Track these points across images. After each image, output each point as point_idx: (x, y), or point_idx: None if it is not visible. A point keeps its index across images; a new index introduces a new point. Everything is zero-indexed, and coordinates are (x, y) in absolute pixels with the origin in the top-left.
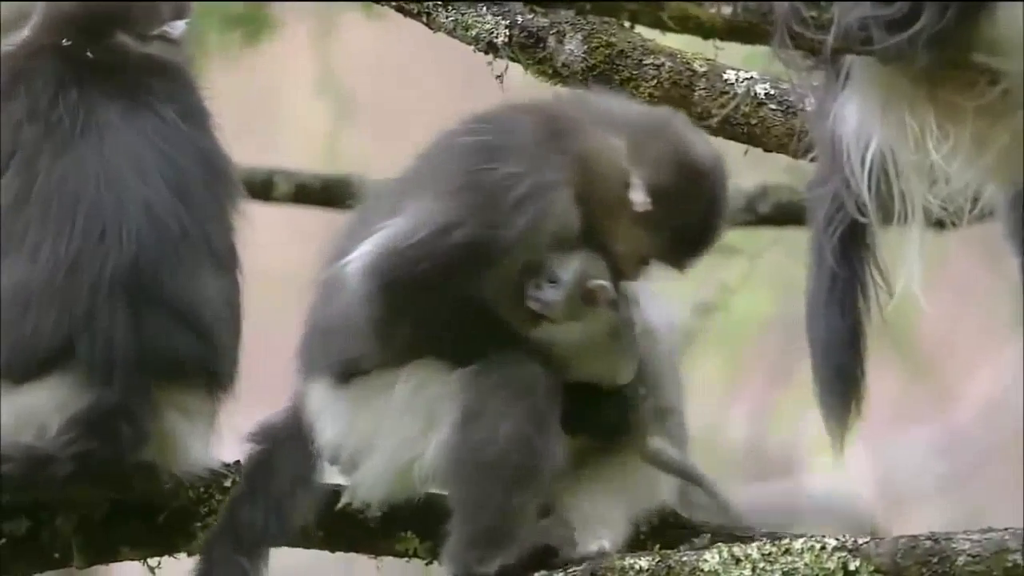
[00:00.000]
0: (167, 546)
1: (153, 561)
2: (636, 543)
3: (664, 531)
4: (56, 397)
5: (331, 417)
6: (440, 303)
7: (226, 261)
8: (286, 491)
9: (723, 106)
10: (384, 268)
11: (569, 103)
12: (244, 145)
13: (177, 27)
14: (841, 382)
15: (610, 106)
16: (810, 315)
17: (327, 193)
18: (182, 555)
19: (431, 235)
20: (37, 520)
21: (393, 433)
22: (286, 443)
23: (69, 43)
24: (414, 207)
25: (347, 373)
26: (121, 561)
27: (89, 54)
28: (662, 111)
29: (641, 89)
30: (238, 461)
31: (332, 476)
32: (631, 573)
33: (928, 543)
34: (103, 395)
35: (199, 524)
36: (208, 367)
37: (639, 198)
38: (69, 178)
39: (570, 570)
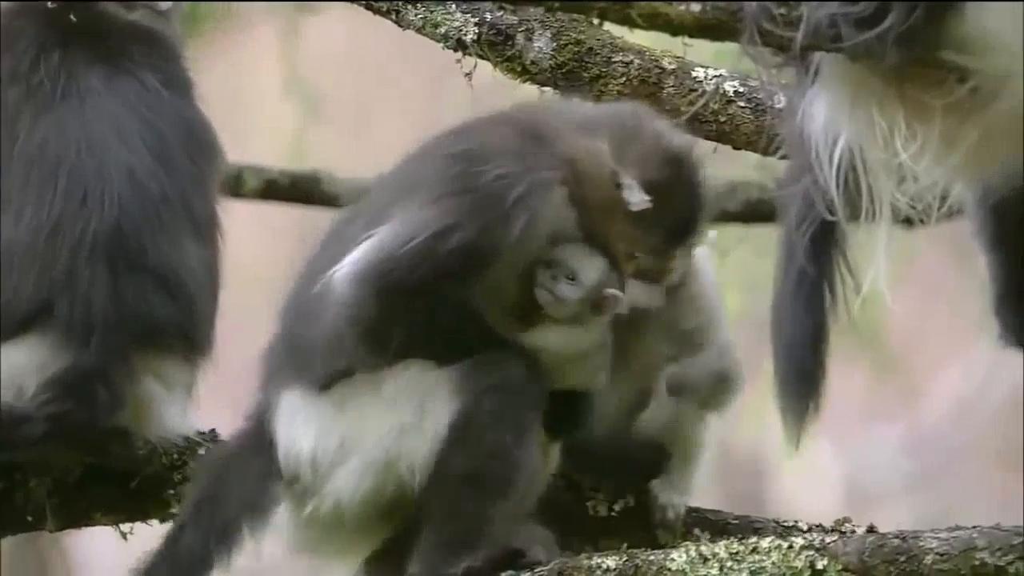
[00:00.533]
0: (140, 512)
1: (126, 527)
2: (608, 521)
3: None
4: (34, 358)
5: (307, 423)
6: (435, 306)
7: (207, 228)
8: (232, 519)
9: (692, 103)
10: (379, 274)
11: (542, 110)
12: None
13: None
14: (801, 382)
15: (581, 109)
16: (776, 314)
17: (295, 189)
18: (155, 521)
19: (427, 239)
20: (11, 482)
21: (379, 430)
22: (238, 468)
23: (54, 5)
24: (404, 215)
25: (328, 380)
26: (94, 526)
27: (72, 18)
28: (629, 107)
29: (610, 87)
30: (213, 429)
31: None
32: (599, 572)
33: (896, 541)
34: (80, 357)
35: (172, 491)
36: (187, 333)
37: (635, 198)
38: (50, 141)
39: (537, 570)
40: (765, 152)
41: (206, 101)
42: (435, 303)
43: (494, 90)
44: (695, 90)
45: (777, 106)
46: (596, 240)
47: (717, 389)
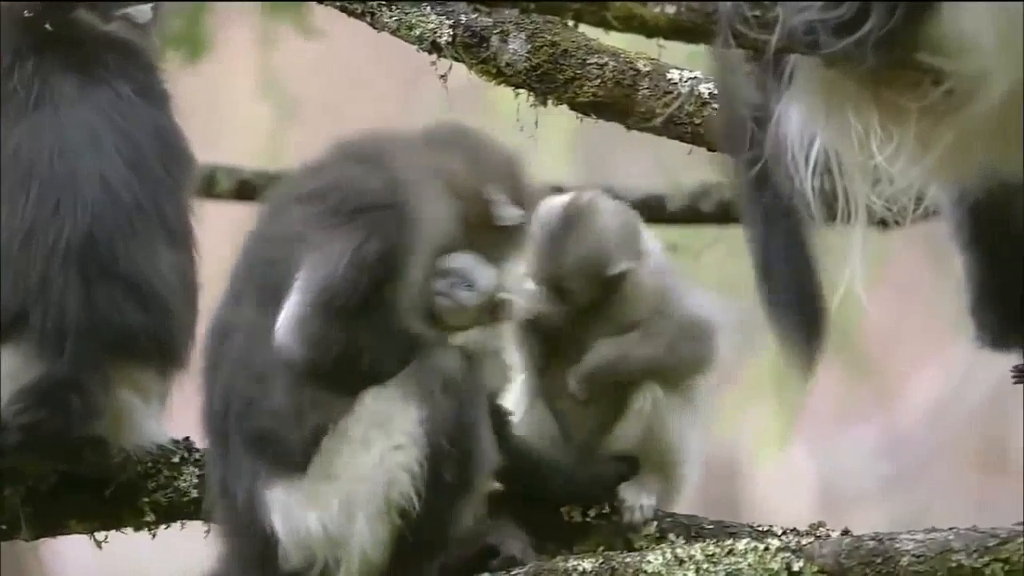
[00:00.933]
0: (115, 520)
1: (100, 535)
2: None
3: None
4: (7, 366)
5: (305, 506)
6: (376, 321)
7: (181, 237)
8: None
9: (667, 105)
10: (322, 306)
11: (379, 138)
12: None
13: (143, 11)
14: (803, 321)
15: (415, 133)
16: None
17: (269, 190)
18: (129, 529)
19: (351, 259)
20: None
21: (367, 475)
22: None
23: (30, 14)
24: (316, 252)
25: (304, 457)
26: (69, 534)
27: (48, 26)
28: (457, 124)
29: (585, 88)
30: (187, 438)
31: None
32: (575, 574)
33: (872, 543)
34: (54, 367)
35: (146, 499)
36: (161, 343)
37: (509, 213)
38: (23, 148)
39: (513, 572)
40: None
41: (180, 102)
42: (375, 318)
43: (468, 92)
44: (670, 92)
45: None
46: (482, 250)
47: (669, 364)
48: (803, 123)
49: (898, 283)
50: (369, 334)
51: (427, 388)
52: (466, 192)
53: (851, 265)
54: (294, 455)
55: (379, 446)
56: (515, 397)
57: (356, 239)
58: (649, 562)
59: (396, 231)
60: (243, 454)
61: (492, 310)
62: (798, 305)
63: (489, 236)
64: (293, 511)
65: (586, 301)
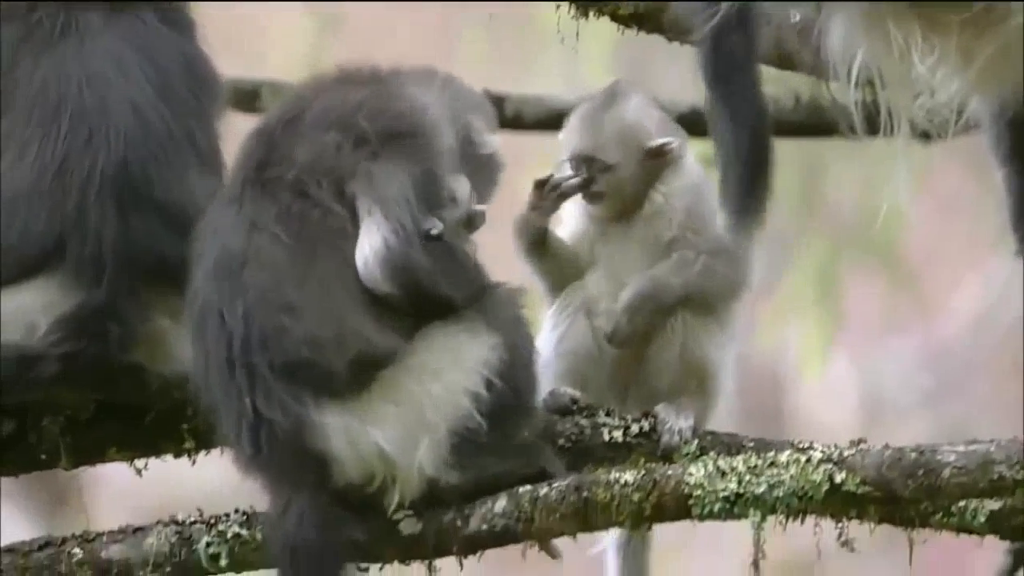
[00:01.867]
0: (154, 448)
1: (140, 462)
2: (623, 447)
3: (649, 434)
4: (45, 297)
5: (366, 425)
6: (446, 252)
7: (211, 163)
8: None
9: None
10: (409, 236)
11: (391, 72)
12: (230, 58)
13: None
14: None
15: (414, 71)
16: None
17: None
18: (168, 456)
19: (415, 191)
20: (24, 421)
21: (435, 402)
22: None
23: None
24: (367, 181)
25: (359, 375)
26: (108, 462)
27: None
28: (429, 67)
29: (626, 1)
30: None
31: None
32: (616, 487)
33: (914, 455)
34: (92, 295)
35: (186, 426)
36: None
37: (487, 141)
38: (51, 80)
39: (556, 484)
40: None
41: (224, 19)
42: (447, 244)
43: (510, 4)
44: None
45: (793, 22)
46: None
47: (704, 290)
48: (845, 35)
49: (940, 195)
50: (445, 260)
51: (492, 319)
52: (457, 121)
53: (893, 178)
54: (346, 378)
55: (447, 380)
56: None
57: (402, 163)
58: (691, 474)
59: (432, 155)
60: (283, 381)
61: (468, 222)
62: (744, 157)
63: (468, 163)
64: (353, 429)
65: (625, 181)
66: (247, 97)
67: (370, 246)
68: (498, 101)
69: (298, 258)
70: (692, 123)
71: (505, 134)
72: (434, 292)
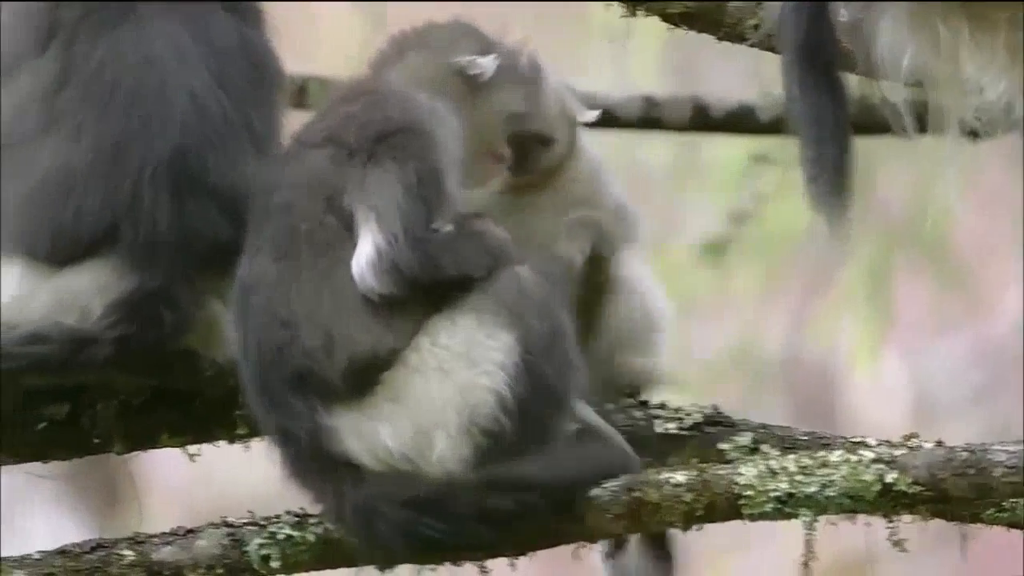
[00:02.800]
0: (207, 434)
1: (193, 448)
2: (677, 438)
3: (703, 427)
4: (99, 280)
5: (375, 423)
6: (448, 244)
7: (268, 150)
8: None
9: (760, 18)
10: (406, 245)
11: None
12: (279, 54)
13: None
14: (831, 172)
15: (383, 49)
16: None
17: None
18: (222, 442)
19: (403, 192)
20: (77, 404)
21: (446, 397)
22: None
23: None
24: (360, 191)
25: (362, 377)
26: (161, 448)
27: None
28: (393, 36)
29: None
30: None
31: None
32: (667, 487)
33: (965, 454)
34: (146, 280)
35: (239, 412)
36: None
37: (481, 64)
38: (108, 62)
39: (606, 484)
40: None
41: (272, 12)
42: (447, 235)
43: (560, 3)
44: (761, 2)
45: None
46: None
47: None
48: (894, 34)
49: (989, 194)
50: (447, 247)
51: (511, 303)
52: (439, 73)
53: (942, 176)
54: (349, 382)
55: (459, 374)
56: None
57: (393, 167)
58: (742, 474)
59: (429, 150)
60: (293, 393)
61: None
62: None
63: (475, 95)
64: (364, 430)
65: (556, 156)
66: (295, 93)
67: (364, 255)
68: None
69: (289, 274)
70: (741, 120)
71: None
72: (438, 283)
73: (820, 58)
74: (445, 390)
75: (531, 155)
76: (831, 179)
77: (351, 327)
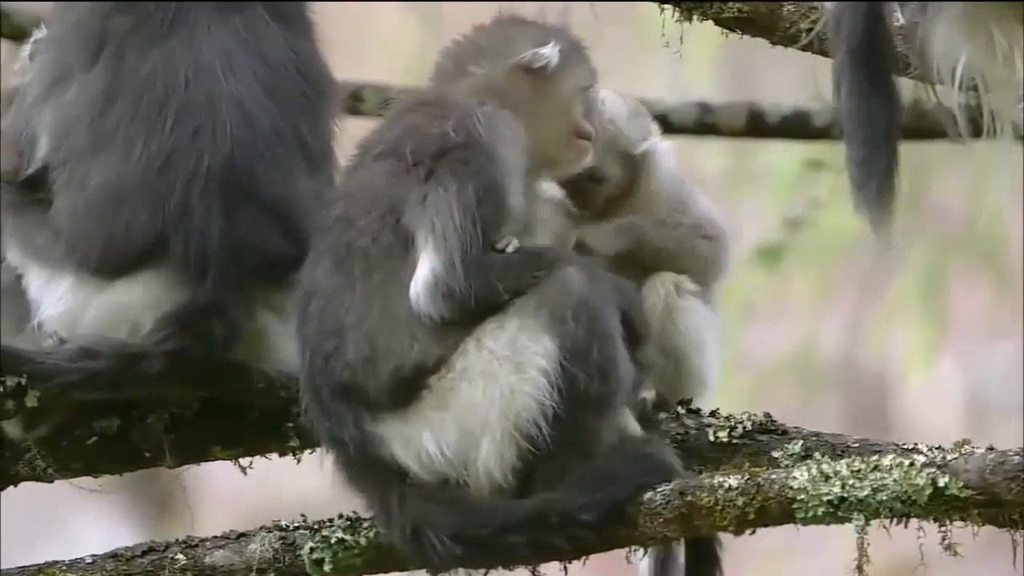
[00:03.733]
0: (258, 446)
1: (244, 461)
2: (729, 446)
3: (754, 435)
4: (149, 294)
5: (423, 431)
6: (506, 262)
7: (319, 161)
8: None
9: (814, 22)
10: (462, 268)
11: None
12: (333, 60)
13: None
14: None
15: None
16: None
17: None
18: (273, 455)
19: (462, 213)
20: (128, 418)
21: (491, 403)
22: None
23: None
24: (420, 208)
25: (407, 386)
26: (212, 461)
27: None
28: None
29: (730, 4)
30: None
31: None
32: (720, 491)
33: (1017, 459)
34: (197, 293)
35: (291, 424)
36: (300, 266)
37: (543, 54)
38: (159, 73)
39: (660, 489)
40: None
41: (327, 20)
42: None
43: (616, 8)
44: (815, 7)
45: (897, 24)
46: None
47: (681, 257)
48: (948, 38)
49: None
50: (504, 270)
51: (550, 309)
52: (503, 76)
53: (997, 180)
54: (395, 391)
55: (502, 381)
56: None
57: (453, 186)
58: (795, 478)
59: (489, 166)
60: (340, 402)
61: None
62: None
63: (545, 85)
64: (409, 437)
65: (613, 185)
66: (349, 100)
67: (422, 278)
68: None
69: (343, 286)
70: (796, 125)
71: None
72: (488, 306)
73: (874, 58)
74: (490, 394)
75: (586, 193)
76: (878, 183)
77: (399, 341)
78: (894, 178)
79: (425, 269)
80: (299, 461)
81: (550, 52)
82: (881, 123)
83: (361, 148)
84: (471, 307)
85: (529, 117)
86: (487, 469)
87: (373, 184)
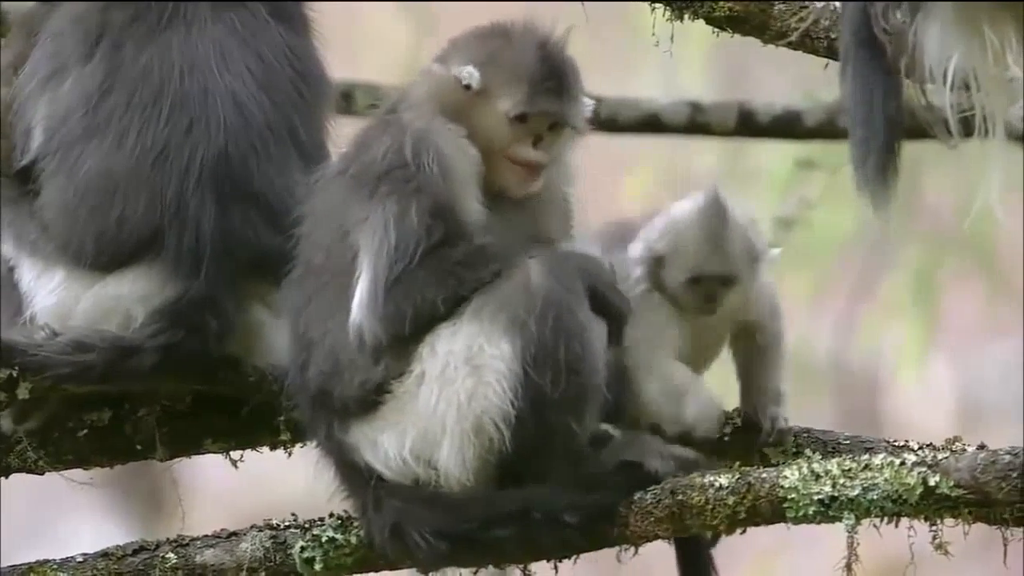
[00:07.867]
0: (250, 439)
1: (236, 454)
2: (719, 443)
3: (746, 431)
4: (142, 287)
5: (386, 435)
6: (448, 271)
7: (313, 157)
8: None
9: (803, 20)
10: (396, 284)
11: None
12: (325, 59)
13: None
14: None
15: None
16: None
17: None
18: (265, 448)
19: (397, 233)
20: (120, 411)
21: (449, 406)
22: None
23: None
24: (362, 226)
25: (369, 394)
26: (203, 454)
27: None
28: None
29: (721, 3)
30: None
31: None
32: (711, 490)
33: (1008, 458)
34: (190, 287)
35: (282, 418)
36: (292, 260)
37: (468, 72)
38: (154, 67)
39: (652, 489)
40: None
41: (319, 18)
42: (446, 264)
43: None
44: (806, 6)
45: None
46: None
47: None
48: (941, 38)
49: None
50: (445, 279)
51: (510, 312)
52: (445, 89)
53: (989, 180)
54: (358, 399)
55: (461, 383)
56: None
57: (391, 206)
58: (786, 477)
59: (422, 179)
60: (316, 410)
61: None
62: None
63: (475, 107)
64: (376, 441)
65: (742, 293)
66: (341, 99)
67: (358, 297)
68: (594, 103)
69: (306, 299)
70: (787, 124)
71: (601, 136)
72: (427, 319)
73: (879, 43)
74: (447, 398)
75: (717, 295)
76: (878, 161)
77: (357, 354)
78: (895, 158)
79: (362, 289)
80: (290, 455)
81: (469, 73)
82: (882, 101)
83: (327, 166)
84: (404, 324)
85: (470, 131)
86: (449, 471)
87: (331, 203)
